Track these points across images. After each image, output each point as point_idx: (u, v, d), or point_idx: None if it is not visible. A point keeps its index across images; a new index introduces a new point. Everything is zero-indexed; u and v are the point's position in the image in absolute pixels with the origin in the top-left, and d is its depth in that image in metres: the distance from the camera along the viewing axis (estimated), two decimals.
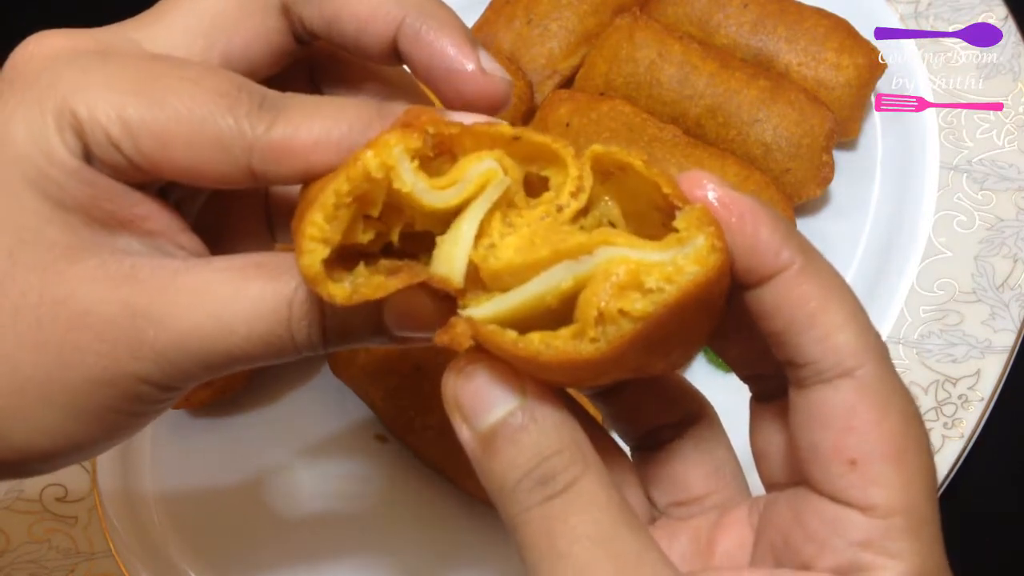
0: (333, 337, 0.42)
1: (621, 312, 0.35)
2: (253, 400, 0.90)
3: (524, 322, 0.38)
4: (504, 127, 0.40)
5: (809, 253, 0.38)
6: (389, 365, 0.81)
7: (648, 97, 0.92)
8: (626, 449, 0.49)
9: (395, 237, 0.41)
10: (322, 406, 0.89)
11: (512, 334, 0.36)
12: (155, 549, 0.84)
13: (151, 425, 0.89)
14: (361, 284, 0.38)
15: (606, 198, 0.41)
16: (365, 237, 0.40)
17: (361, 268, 0.39)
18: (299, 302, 0.41)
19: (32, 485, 0.84)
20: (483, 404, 0.38)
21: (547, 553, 0.37)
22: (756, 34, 0.94)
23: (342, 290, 0.38)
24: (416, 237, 0.41)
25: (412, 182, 0.38)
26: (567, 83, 0.98)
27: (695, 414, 0.47)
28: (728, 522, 0.44)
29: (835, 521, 0.37)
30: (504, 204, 0.40)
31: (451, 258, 0.39)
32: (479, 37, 0.97)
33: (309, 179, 0.41)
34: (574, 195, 0.40)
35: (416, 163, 0.38)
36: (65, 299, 0.40)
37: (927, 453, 0.38)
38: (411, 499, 0.83)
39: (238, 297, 0.40)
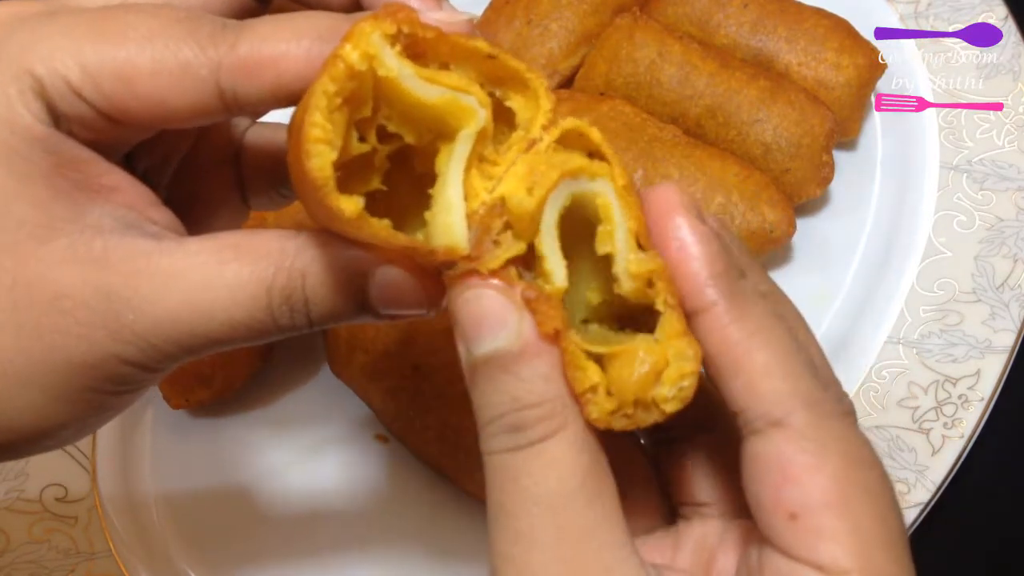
0: (318, 319, 0.41)
1: (655, 402, 0.37)
2: (253, 400, 0.90)
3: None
4: (480, 42, 0.39)
5: (735, 296, 0.36)
6: (389, 365, 0.80)
7: (648, 97, 0.92)
8: None
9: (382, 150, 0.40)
10: (322, 406, 0.89)
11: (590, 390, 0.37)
12: (155, 549, 0.84)
13: (151, 425, 0.90)
14: (372, 220, 0.36)
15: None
16: (360, 148, 0.38)
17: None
18: (279, 287, 0.39)
19: (32, 485, 0.84)
20: (478, 331, 0.37)
21: (498, 508, 0.36)
22: (756, 34, 0.94)
23: (353, 204, 0.36)
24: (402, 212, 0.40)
25: (397, 67, 0.37)
26: (567, 83, 0.98)
27: (711, 417, 0.44)
28: (731, 540, 0.41)
29: None
30: (476, 159, 0.39)
31: (449, 226, 0.37)
32: None
33: (283, 97, 0.39)
34: (546, 128, 0.39)
35: (398, 48, 0.37)
36: (37, 281, 0.39)
37: (886, 503, 0.35)
38: (411, 499, 0.83)
39: (214, 284, 0.39)
